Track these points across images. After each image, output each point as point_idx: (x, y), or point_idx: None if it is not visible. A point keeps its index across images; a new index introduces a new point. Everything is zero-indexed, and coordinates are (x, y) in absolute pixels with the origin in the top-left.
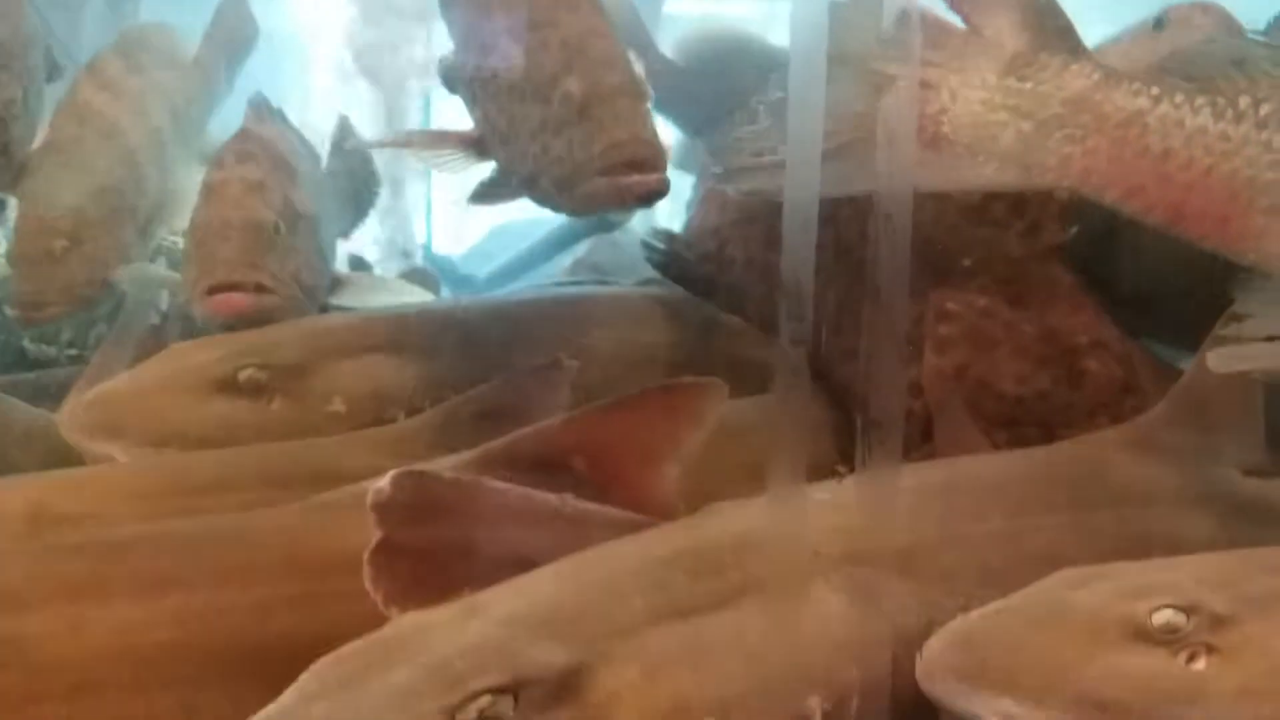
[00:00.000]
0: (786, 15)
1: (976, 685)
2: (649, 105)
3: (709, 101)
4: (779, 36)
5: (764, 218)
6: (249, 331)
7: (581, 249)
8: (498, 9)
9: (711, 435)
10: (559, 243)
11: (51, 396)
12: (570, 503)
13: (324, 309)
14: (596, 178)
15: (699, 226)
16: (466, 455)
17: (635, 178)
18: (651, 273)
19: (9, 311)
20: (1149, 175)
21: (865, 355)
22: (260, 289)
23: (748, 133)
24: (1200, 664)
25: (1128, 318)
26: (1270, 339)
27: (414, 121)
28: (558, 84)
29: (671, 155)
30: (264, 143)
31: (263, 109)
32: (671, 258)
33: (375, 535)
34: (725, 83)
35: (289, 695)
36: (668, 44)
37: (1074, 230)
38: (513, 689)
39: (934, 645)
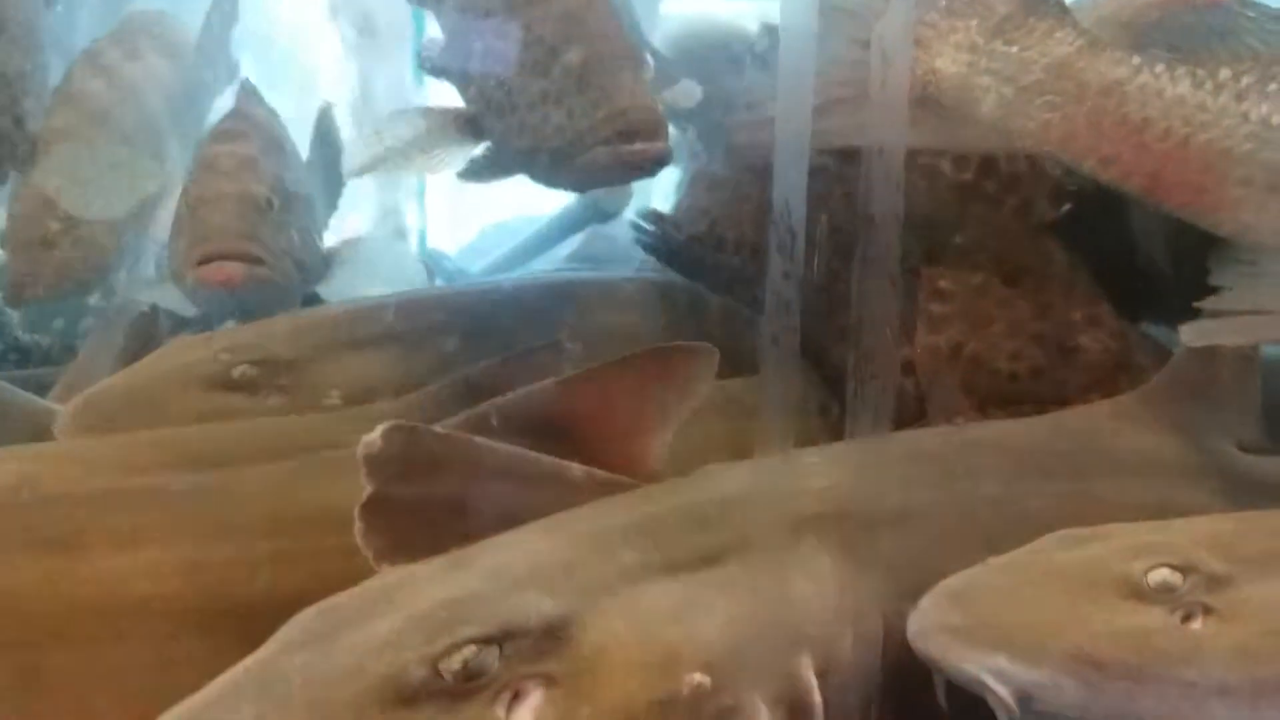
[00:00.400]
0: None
1: (969, 643)
2: (648, 75)
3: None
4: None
5: (754, 196)
6: (243, 327)
7: (576, 241)
8: None
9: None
10: (554, 236)
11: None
12: (560, 463)
13: (310, 300)
14: (597, 147)
15: (688, 207)
16: (456, 418)
17: (637, 145)
18: (647, 263)
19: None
20: (1126, 143)
21: (858, 287)
22: (252, 260)
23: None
24: (1196, 624)
25: (1124, 299)
26: (1246, 313)
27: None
28: (557, 55)
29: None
30: (256, 122)
31: (253, 93)
32: (661, 239)
33: (366, 489)
34: (710, 73)
35: (270, 645)
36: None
37: (1067, 207)
38: (497, 639)
39: (925, 604)
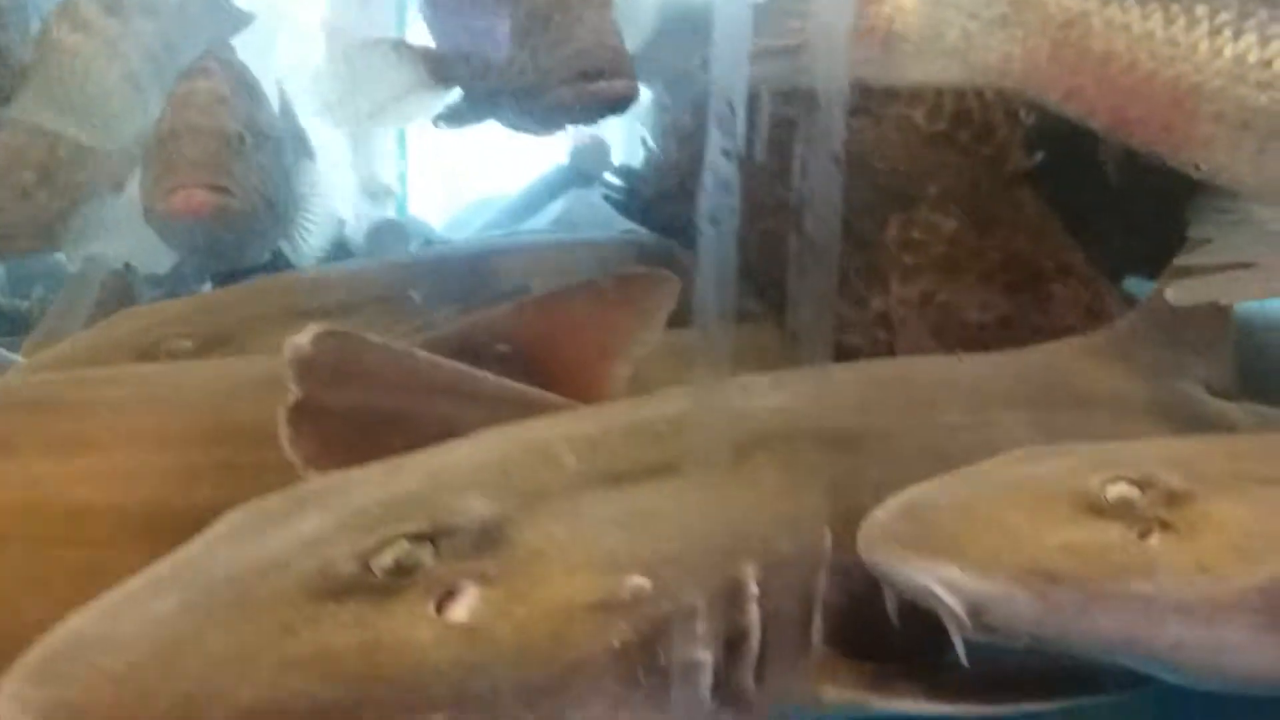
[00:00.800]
0: None
1: (919, 553)
2: (613, 14)
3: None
4: None
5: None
6: (191, 298)
7: (557, 207)
8: None
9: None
10: (536, 202)
11: None
12: (505, 382)
13: (273, 263)
14: (562, 86)
15: (659, 163)
16: (410, 340)
17: (601, 84)
18: (628, 227)
19: None
20: (1089, 77)
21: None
22: (223, 191)
23: None
24: (1154, 540)
25: (1098, 250)
26: (1228, 266)
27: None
28: None
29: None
30: (228, 64)
31: (225, 47)
32: (632, 196)
33: (293, 394)
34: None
35: (195, 541)
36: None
37: (1041, 156)
38: (431, 536)
39: (876, 515)
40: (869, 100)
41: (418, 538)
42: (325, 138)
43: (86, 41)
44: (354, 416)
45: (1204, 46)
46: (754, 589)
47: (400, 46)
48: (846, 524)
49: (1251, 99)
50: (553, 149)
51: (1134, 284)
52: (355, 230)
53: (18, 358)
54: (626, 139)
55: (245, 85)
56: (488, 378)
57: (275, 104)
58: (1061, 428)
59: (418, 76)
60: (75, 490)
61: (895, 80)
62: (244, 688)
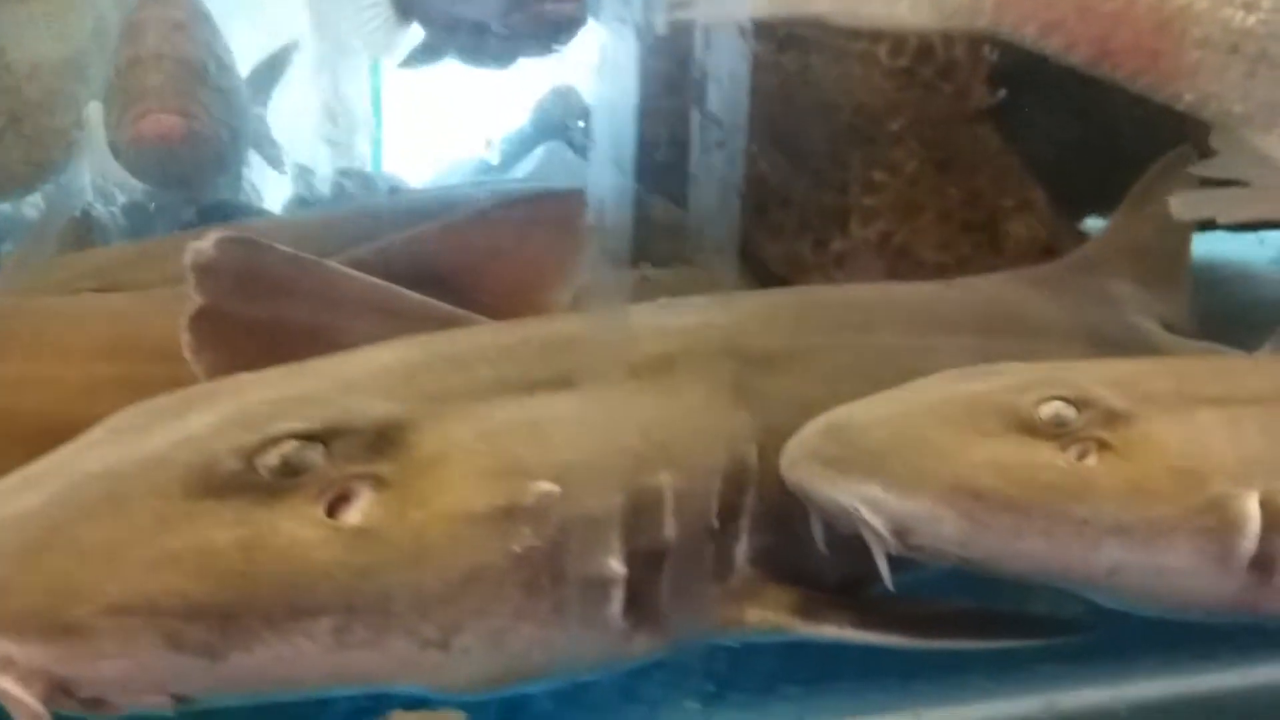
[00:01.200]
0: None
1: (841, 472)
2: None
3: None
4: None
5: (685, 90)
6: (92, 252)
7: (533, 162)
8: None
9: None
10: (508, 159)
11: None
12: (424, 299)
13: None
14: (513, 13)
15: None
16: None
17: (548, 5)
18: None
19: None
20: (1069, 7)
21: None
22: (191, 116)
23: None
24: (1091, 460)
25: (1059, 189)
26: (1230, 183)
27: None
28: None
29: None
30: None
31: None
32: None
33: (194, 300)
34: None
35: (80, 438)
36: None
37: (1003, 93)
38: (322, 436)
39: (800, 434)
40: (832, 37)
41: (307, 437)
42: (297, 94)
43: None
44: (259, 325)
45: None
46: (671, 502)
47: None
48: (776, 444)
49: (1238, 21)
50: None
51: (1095, 224)
52: (322, 180)
53: None
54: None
55: (199, 13)
56: (405, 294)
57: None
58: (1003, 355)
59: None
60: None
61: (863, 21)
62: (112, 583)
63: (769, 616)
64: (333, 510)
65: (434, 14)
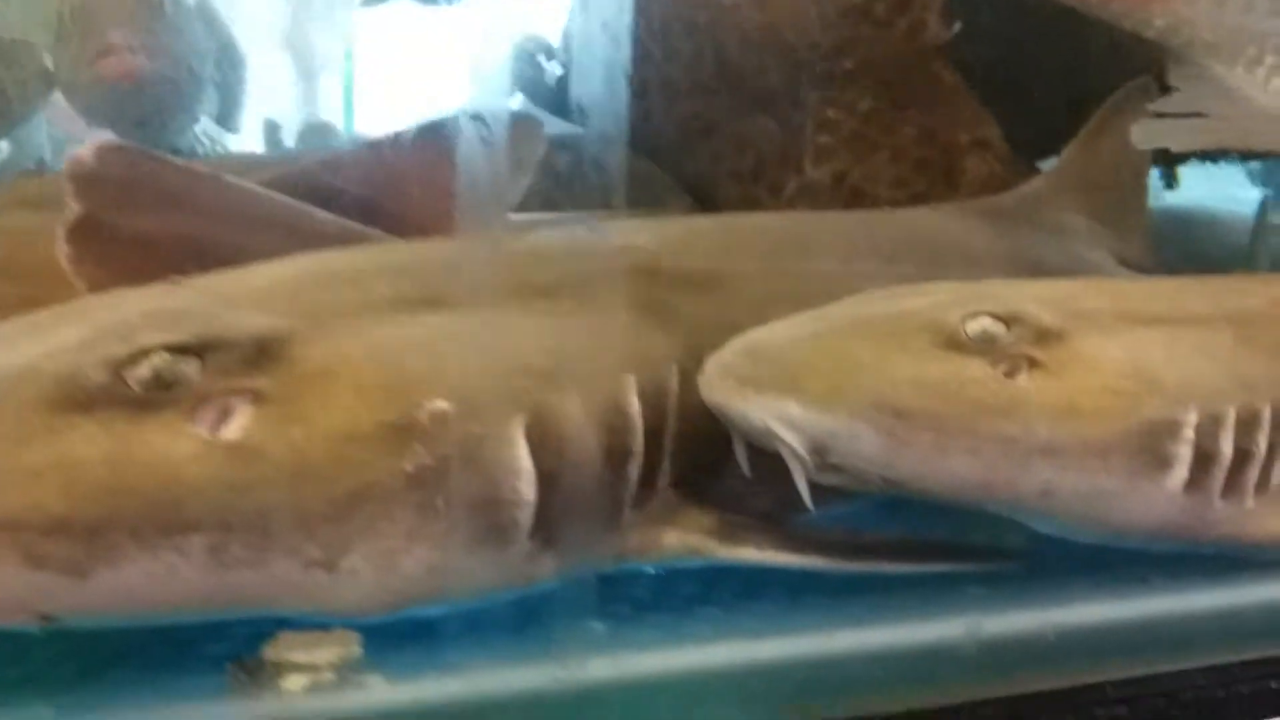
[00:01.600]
0: None
1: (756, 388)
2: None
3: None
4: None
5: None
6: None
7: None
8: None
9: None
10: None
11: None
12: (335, 219)
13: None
14: None
15: (565, 35)
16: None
17: None
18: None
19: None
20: None
21: None
22: (151, 55)
23: None
24: (1022, 378)
25: (1014, 128)
26: (1190, 115)
27: None
28: None
29: None
30: None
31: None
32: (541, 74)
33: (73, 210)
34: None
35: None
36: None
37: (958, 26)
38: (196, 349)
39: (719, 353)
40: None
41: (180, 349)
42: (268, 49)
43: None
44: (145, 238)
45: None
46: (579, 422)
47: None
48: (698, 367)
49: None
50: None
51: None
52: (288, 133)
53: None
54: None
55: None
56: (314, 212)
57: None
58: None
59: None
60: None
61: None
62: None
63: (687, 540)
64: (211, 427)
65: None
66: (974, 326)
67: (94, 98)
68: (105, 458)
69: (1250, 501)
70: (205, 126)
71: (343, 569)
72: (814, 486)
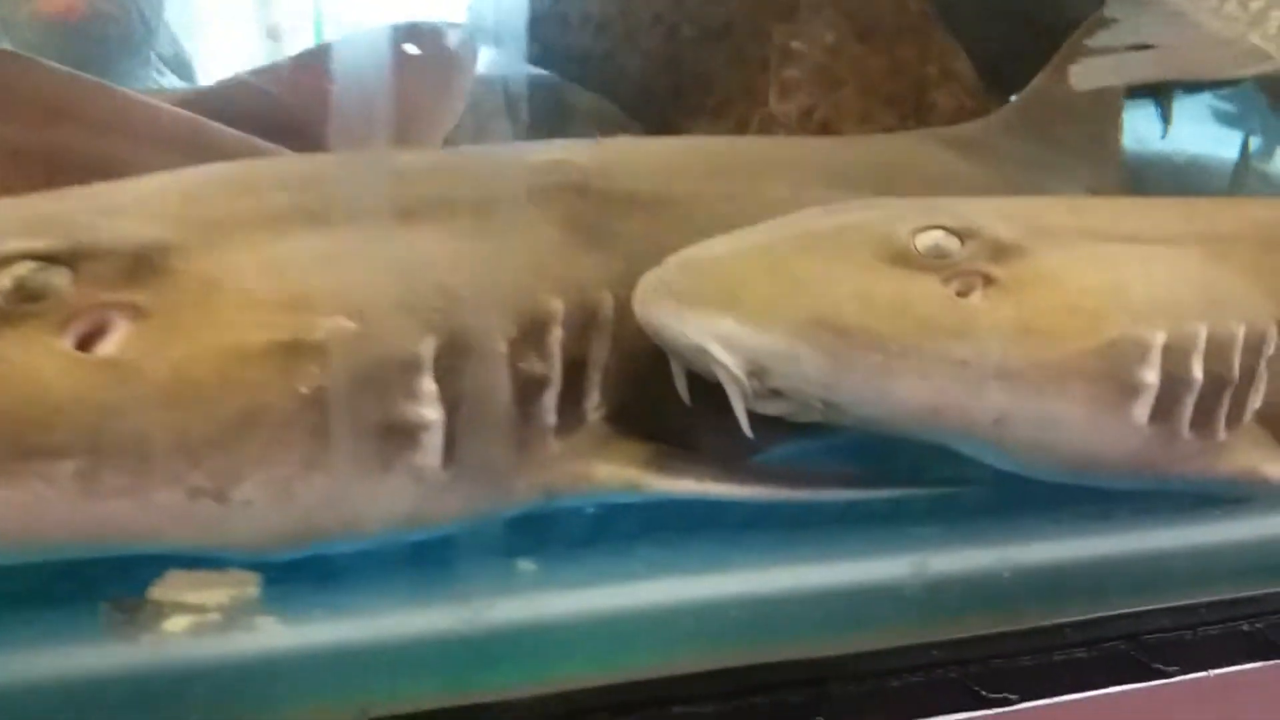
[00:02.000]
0: None
1: (691, 306)
2: None
3: None
4: None
5: None
6: None
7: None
8: None
9: None
10: None
11: None
12: (231, 131)
13: None
14: None
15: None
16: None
17: None
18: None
19: None
20: None
21: None
22: None
23: None
24: (975, 296)
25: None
26: (1135, 47)
27: None
28: None
29: None
30: None
31: None
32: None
33: None
34: None
35: None
36: None
37: None
38: (65, 258)
39: (653, 271)
40: None
41: (48, 258)
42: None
43: None
44: (27, 149)
45: None
46: (496, 346)
47: None
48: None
49: None
50: None
51: None
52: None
53: None
54: None
55: None
56: (216, 128)
57: None
58: None
59: None
60: None
61: None
62: None
63: (622, 473)
64: (84, 343)
65: None
66: (925, 240)
67: (33, 35)
68: None
69: (1222, 433)
70: (159, 68)
71: (234, 499)
72: (756, 422)
